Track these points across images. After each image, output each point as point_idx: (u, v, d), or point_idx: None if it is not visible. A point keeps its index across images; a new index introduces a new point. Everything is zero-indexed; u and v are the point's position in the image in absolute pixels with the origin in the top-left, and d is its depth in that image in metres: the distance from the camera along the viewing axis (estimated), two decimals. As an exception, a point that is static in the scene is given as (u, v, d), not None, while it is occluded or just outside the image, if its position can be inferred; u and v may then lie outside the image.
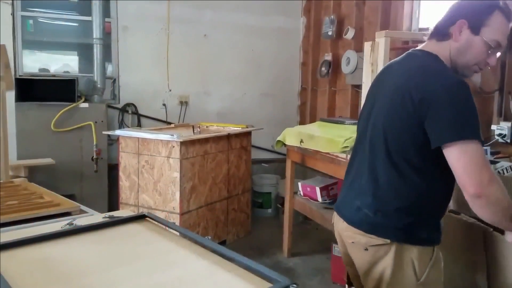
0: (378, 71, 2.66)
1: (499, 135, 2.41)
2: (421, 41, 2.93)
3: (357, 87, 3.98)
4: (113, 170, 4.05)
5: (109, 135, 4.08)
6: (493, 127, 2.50)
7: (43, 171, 3.71)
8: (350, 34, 4.05)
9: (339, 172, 2.82)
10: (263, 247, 3.80)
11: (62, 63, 4.52)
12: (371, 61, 2.74)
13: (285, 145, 3.45)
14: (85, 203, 1.91)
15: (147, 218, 1.53)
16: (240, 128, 3.99)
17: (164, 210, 3.30)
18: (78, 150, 3.96)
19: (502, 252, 1.48)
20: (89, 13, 4.13)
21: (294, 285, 1.00)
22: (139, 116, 4.57)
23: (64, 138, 3.90)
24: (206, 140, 3.51)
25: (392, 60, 1.54)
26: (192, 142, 3.34)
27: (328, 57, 4.42)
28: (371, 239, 1.41)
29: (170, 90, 4.69)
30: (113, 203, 4.01)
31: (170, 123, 4.55)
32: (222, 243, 3.66)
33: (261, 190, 4.69)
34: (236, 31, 4.88)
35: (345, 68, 4.04)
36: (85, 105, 3.98)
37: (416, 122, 1.28)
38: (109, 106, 4.33)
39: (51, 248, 1.27)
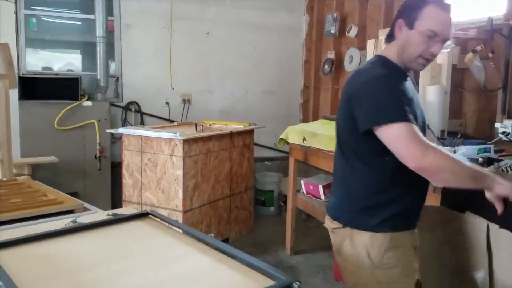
0: (381, 69, 2.66)
1: (503, 133, 2.40)
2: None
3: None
4: (116, 168, 4.06)
5: (112, 133, 4.09)
6: (497, 125, 2.48)
7: (46, 169, 3.72)
8: (353, 32, 4.04)
9: (342, 170, 2.82)
10: (266, 244, 3.80)
11: (65, 62, 4.53)
12: (374, 59, 2.73)
13: (287, 143, 3.45)
14: (88, 201, 1.91)
15: (150, 216, 1.54)
16: (242, 126, 3.99)
17: (167, 208, 3.31)
18: (81, 148, 3.97)
19: (507, 250, 1.47)
20: (92, 11, 4.14)
21: (297, 283, 1.00)
22: (142, 114, 4.57)
23: (67, 136, 3.91)
24: (209, 138, 3.51)
25: None
26: (195, 140, 3.35)
27: (331, 55, 4.41)
28: (332, 223, 1.61)
29: (173, 88, 4.69)
30: (116, 201, 4.02)
31: (173, 121, 4.55)
32: (225, 240, 3.67)
33: (263, 188, 4.69)
34: (238, 29, 4.87)
35: (348, 66, 4.03)
36: (88, 103, 3.98)
37: (350, 117, 1.45)
38: (112, 104, 4.33)
39: (55, 246, 1.28)
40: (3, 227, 1.45)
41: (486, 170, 1.38)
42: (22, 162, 3.58)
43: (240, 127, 3.97)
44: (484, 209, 1.51)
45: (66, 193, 1.99)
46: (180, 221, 3.18)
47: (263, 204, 4.70)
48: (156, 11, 4.54)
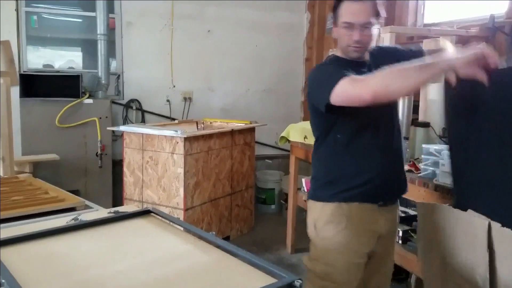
0: (383, 66, 2.66)
1: (505, 131, 2.40)
2: (426, 37, 2.92)
3: (361, 83, 3.97)
4: (117, 165, 4.06)
5: (113, 131, 4.09)
6: (498, 123, 2.48)
7: (47, 166, 3.73)
8: (354, 29, 4.03)
9: (343, 168, 2.81)
10: (267, 243, 3.80)
11: (66, 59, 4.53)
12: (375, 57, 2.73)
13: (289, 141, 3.45)
14: (89, 199, 1.91)
15: (152, 214, 1.54)
16: (243, 124, 3.98)
17: (168, 206, 3.31)
18: (83, 146, 3.97)
19: (510, 248, 1.47)
20: (93, 9, 4.13)
21: (299, 281, 1.00)
22: (143, 112, 4.57)
23: (69, 134, 3.91)
24: (210, 136, 3.51)
25: None
26: (196, 138, 3.34)
27: (333, 53, 4.40)
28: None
29: (174, 86, 4.69)
30: (117, 199, 4.02)
31: (174, 119, 4.55)
32: (226, 238, 3.67)
33: (264, 186, 4.69)
34: (240, 27, 4.87)
35: (349, 64, 4.02)
36: (89, 101, 3.98)
37: (312, 105, 1.64)
38: (113, 102, 4.33)
39: (57, 243, 1.28)
40: (4, 224, 1.45)
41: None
42: (23, 160, 3.59)
43: (241, 125, 3.97)
44: (487, 207, 1.50)
45: (67, 191, 1.99)
46: (181, 219, 3.18)
47: (264, 202, 4.70)
48: (157, 9, 4.53)
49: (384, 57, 1.64)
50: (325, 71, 1.59)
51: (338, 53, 1.70)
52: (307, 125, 3.39)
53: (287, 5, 4.99)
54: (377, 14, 1.58)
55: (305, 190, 3.49)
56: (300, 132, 3.26)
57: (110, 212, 1.55)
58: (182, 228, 1.41)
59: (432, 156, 2.09)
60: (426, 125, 2.49)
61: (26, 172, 3.32)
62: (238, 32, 4.87)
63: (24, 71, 4.09)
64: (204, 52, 4.78)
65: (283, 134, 3.45)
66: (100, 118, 3.98)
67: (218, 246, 1.24)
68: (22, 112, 3.78)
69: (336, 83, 1.42)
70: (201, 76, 4.81)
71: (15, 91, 3.51)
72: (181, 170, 3.24)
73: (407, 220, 2.55)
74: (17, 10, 4.09)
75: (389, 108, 1.65)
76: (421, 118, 2.67)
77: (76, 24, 4.53)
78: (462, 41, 2.87)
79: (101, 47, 4.12)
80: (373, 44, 1.64)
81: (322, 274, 1.63)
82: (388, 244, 1.76)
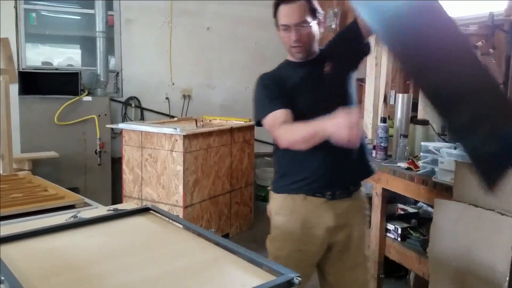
0: (382, 64, 2.66)
1: (503, 129, 2.40)
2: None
3: (361, 81, 3.96)
4: (116, 163, 4.06)
5: (112, 129, 4.09)
6: (497, 120, 2.48)
7: (46, 164, 3.73)
8: (353, 27, 4.02)
9: (342, 166, 2.82)
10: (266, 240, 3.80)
11: (65, 56, 4.52)
12: (374, 55, 2.73)
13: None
14: (88, 196, 1.91)
15: (151, 211, 1.54)
16: (243, 122, 3.98)
17: (167, 203, 3.31)
18: (82, 143, 3.97)
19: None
20: (92, 6, 4.12)
21: (298, 278, 1.01)
22: (142, 109, 4.57)
23: (68, 131, 3.91)
24: (209, 134, 3.51)
25: None
26: (195, 136, 3.34)
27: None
28: None
29: (173, 84, 4.69)
30: (116, 196, 4.02)
31: (173, 117, 4.55)
32: (225, 236, 3.68)
33: (264, 184, 4.69)
34: (239, 24, 4.86)
35: (349, 62, 4.02)
36: (88, 98, 3.98)
37: None
38: (112, 99, 4.33)
39: (56, 240, 1.28)
40: (3, 222, 1.45)
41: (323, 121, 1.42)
42: (23, 157, 3.58)
43: (240, 122, 3.97)
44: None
45: (66, 188, 1.99)
46: (181, 216, 3.18)
47: (264, 199, 4.70)
48: (157, 6, 4.53)
49: (330, 50, 1.73)
50: (262, 93, 1.68)
51: (289, 56, 1.78)
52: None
53: (287, 2, 4.98)
54: (313, 12, 1.63)
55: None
56: (299, 130, 3.26)
57: (109, 210, 1.56)
58: (181, 226, 1.41)
59: (431, 154, 2.10)
60: (425, 122, 2.49)
61: (25, 170, 3.31)
62: (237, 29, 4.86)
63: (23, 69, 4.09)
64: (203, 49, 4.77)
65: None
66: (99, 115, 3.98)
67: (217, 244, 1.24)
68: (21, 110, 3.77)
69: (268, 113, 1.60)
70: (200, 74, 4.81)
71: (14, 88, 3.51)
72: (180, 168, 3.24)
73: (406, 217, 2.55)
74: (15, 7, 4.08)
75: (339, 98, 1.66)
76: (420, 116, 2.67)
77: (75, 21, 4.53)
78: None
79: (100, 44, 4.12)
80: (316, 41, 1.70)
81: (273, 256, 1.73)
82: (347, 236, 1.71)
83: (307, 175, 1.65)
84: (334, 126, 1.34)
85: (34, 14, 4.22)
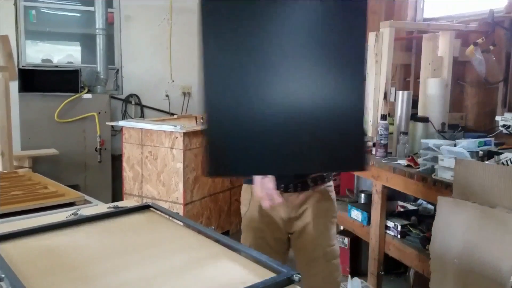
0: (383, 61, 2.65)
1: (503, 126, 2.40)
2: (426, 31, 2.91)
3: (361, 78, 3.96)
4: (116, 160, 4.06)
5: (112, 126, 4.09)
6: (497, 118, 2.49)
7: (47, 161, 3.73)
8: (354, 24, 4.01)
9: (342, 163, 2.82)
10: (266, 237, 3.81)
11: (65, 54, 4.52)
12: (375, 52, 2.72)
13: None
14: (89, 194, 1.91)
15: (151, 209, 1.54)
16: (243, 119, 3.98)
17: (167, 201, 3.32)
18: (82, 140, 3.97)
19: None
20: (92, 3, 4.12)
21: (298, 275, 1.01)
22: (142, 107, 4.57)
23: (68, 128, 3.91)
24: (209, 131, 3.51)
25: None
26: (195, 133, 3.34)
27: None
28: None
29: (173, 81, 4.68)
30: (116, 194, 4.02)
31: (173, 114, 4.54)
32: (225, 233, 3.68)
33: (264, 181, 4.69)
34: (239, 21, 4.84)
35: (349, 59, 4.01)
36: (88, 96, 3.98)
37: None
38: (112, 97, 4.33)
39: (56, 238, 1.28)
40: (3, 219, 1.45)
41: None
42: (23, 155, 3.59)
43: (240, 120, 3.96)
44: None
45: (66, 185, 1.99)
46: (181, 213, 3.18)
47: (263, 196, 4.70)
48: (156, 3, 4.52)
49: None
50: None
51: None
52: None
53: (287, -1, 4.97)
54: None
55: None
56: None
57: (109, 207, 1.56)
58: (181, 223, 1.41)
59: (431, 151, 2.10)
60: (425, 120, 2.49)
61: (25, 167, 3.32)
62: (237, 26, 4.85)
63: (23, 66, 4.08)
64: (203, 47, 4.76)
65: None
66: (99, 113, 3.98)
67: (217, 241, 1.24)
68: (21, 107, 3.77)
69: None
70: (200, 71, 4.80)
71: (14, 86, 3.51)
72: (180, 165, 3.24)
73: (406, 214, 2.56)
74: (15, 4, 4.07)
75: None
76: (420, 113, 2.67)
77: (74, 18, 4.52)
78: (461, 35, 2.87)
79: (99, 41, 4.11)
80: None
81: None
82: (302, 230, 1.70)
83: None
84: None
85: (33, 11, 4.21)
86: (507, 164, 1.85)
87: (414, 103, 2.66)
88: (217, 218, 3.68)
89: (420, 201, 2.74)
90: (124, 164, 3.53)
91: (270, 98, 1.09)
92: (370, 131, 2.75)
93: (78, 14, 4.49)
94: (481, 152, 2.01)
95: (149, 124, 3.39)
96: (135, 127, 3.43)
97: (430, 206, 2.63)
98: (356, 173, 2.91)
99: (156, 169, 3.36)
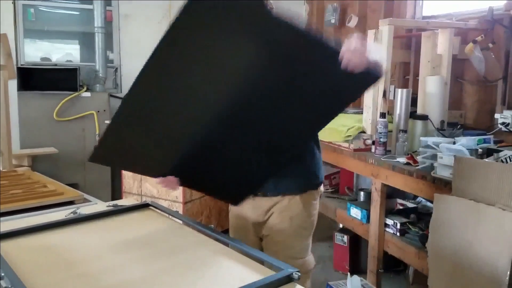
0: (382, 59, 2.66)
1: (503, 123, 2.40)
2: (425, 29, 2.90)
3: (360, 76, 3.96)
4: (115, 159, 4.06)
5: (111, 124, 4.08)
6: (497, 115, 2.49)
7: (46, 160, 3.72)
8: (353, 22, 4.01)
9: (342, 161, 2.82)
10: (266, 235, 3.81)
11: (63, 52, 4.50)
12: (374, 50, 2.72)
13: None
14: (88, 192, 1.92)
15: (151, 207, 1.54)
16: (242, 117, 3.98)
17: (167, 199, 3.31)
18: (81, 139, 3.97)
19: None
20: (90, 2, 4.10)
21: (297, 273, 1.01)
22: (141, 105, 4.56)
23: (67, 127, 3.90)
24: (208, 129, 3.51)
25: None
26: (195, 131, 3.34)
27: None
28: None
29: (172, 79, 4.67)
30: (116, 192, 4.02)
31: (172, 112, 4.53)
32: (225, 231, 3.67)
33: (263, 179, 4.68)
34: (238, 20, 4.84)
35: (348, 57, 4.01)
36: (87, 94, 3.97)
37: None
38: (111, 95, 4.32)
39: (56, 236, 1.28)
40: (3, 218, 1.45)
41: None
42: (22, 154, 3.58)
43: (239, 118, 3.96)
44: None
45: (66, 184, 1.99)
46: (180, 212, 3.18)
47: (263, 195, 4.70)
48: (155, 1, 4.50)
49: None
50: None
51: None
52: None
53: (286, -3, 4.96)
54: None
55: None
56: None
57: (109, 206, 1.56)
58: (181, 221, 1.42)
59: (430, 149, 2.10)
60: (424, 118, 2.49)
61: (24, 166, 3.31)
62: (236, 24, 4.84)
63: (21, 65, 4.07)
64: (202, 45, 4.76)
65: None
66: (98, 111, 3.97)
67: (217, 239, 1.25)
68: (20, 106, 3.76)
69: None
70: (199, 69, 4.79)
71: (13, 84, 3.50)
72: (179, 163, 3.24)
73: (405, 212, 2.56)
74: (14, 3, 4.06)
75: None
76: (419, 111, 2.67)
77: (73, 17, 4.51)
78: (460, 33, 2.87)
79: (98, 40, 4.10)
80: None
81: None
82: (268, 234, 1.69)
83: None
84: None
85: (32, 10, 4.20)
86: (506, 162, 1.85)
87: (413, 101, 2.66)
88: (217, 217, 3.68)
89: (419, 199, 2.75)
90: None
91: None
92: (369, 129, 2.75)
93: (76, 13, 4.48)
94: (480, 150, 2.01)
95: (148, 123, 3.38)
96: (134, 125, 3.42)
97: (430, 204, 2.63)
98: (355, 172, 2.91)
99: (156, 168, 3.36)
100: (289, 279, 1.00)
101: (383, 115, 2.51)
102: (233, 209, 1.78)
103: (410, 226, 2.37)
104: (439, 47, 2.70)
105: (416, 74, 3.01)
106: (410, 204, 2.72)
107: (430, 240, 1.91)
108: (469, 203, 1.72)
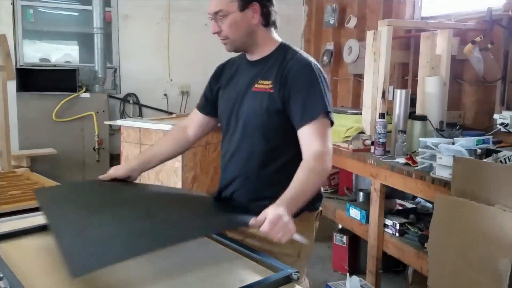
0: (381, 60, 2.66)
1: (502, 124, 2.41)
2: (424, 30, 2.90)
3: (359, 77, 3.97)
4: (115, 159, 4.06)
5: (110, 125, 4.08)
6: (496, 116, 2.49)
7: (45, 161, 3.72)
8: (352, 22, 4.02)
9: (341, 162, 2.82)
10: (265, 236, 3.81)
11: (62, 53, 4.50)
12: (373, 50, 2.72)
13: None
14: (87, 193, 1.91)
15: (150, 208, 1.54)
16: (241, 118, 3.98)
17: (166, 200, 3.31)
18: (80, 140, 3.97)
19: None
20: (89, 2, 4.11)
21: (297, 273, 1.01)
22: (140, 106, 4.56)
23: (66, 128, 3.90)
24: (207, 130, 3.51)
25: None
26: (194, 132, 3.34)
27: (330, 46, 4.40)
28: None
29: (171, 80, 4.67)
30: (115, 193, 4.02)
31: (171, 113, 4.54)
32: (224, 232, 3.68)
33: (262, 180, 4.68)
34: (237, 20, 4.84)
35: (347, 57, 4.02)
36: (86, 95, 3.97)
37: None
38: (110, 96, 4.32)
39: (55, 237, 1.28)
40: (2, 219, 1.45)
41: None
42: (21, 154, 3.58)
43: (238, 118, 3.96)
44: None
45: (65, 185, 1.98)
46: (179, 212, 3.18)
47: (262, 195, 4.70)
48: (154, 1, 4.51)
49: (285, 83, 1.41)
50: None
51: None
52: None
53: (285, -2, 4.97)
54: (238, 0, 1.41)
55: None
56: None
57: (108, 206, 1.55)
58: (180, 222, 1.41)
59: (429, 150, 2.10)
60: (423, 118, 2.50)
61: (23, 167, 3.31)
62: (236, 25, 4.84)
63: (20, 65, 4.07)
64: (201, 45, 4.75)
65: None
66: (97, 112, 3.97)
67: (216, 240, 1.24)
68: (19, 107, 3.76)
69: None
70: (198, 70, 4.78)
71: (12, 85, 3.50)
72: (179, 164, 3.23)
73: (404, 213, 2.56)
74: (13, 3, 4.06)
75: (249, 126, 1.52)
76: (418, 111, 2.67)
77: (72, 17, 4.51)
78: (459, 34, 2.87)
79: (97, 40, 4.10)
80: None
81: None
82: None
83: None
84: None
85: (31, 11, 4.20)
86: (505, 162, 1.86)
87: (412, 102, 2.66)
88: (216, 217, 3.68)
89: (418, 199, 2.75)
90: (123, 163, 3.52)
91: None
92: (368, 130, 2.75)
93: (75, 13, 4.48)
94: (479, 150, 2.02)
95: (147, 123, 3.38)
96: (133, 126, 3.42)
97: (429, 204, 2.63)
98: (354, 172, 2.91)
99: (155, 168, 3.35)
100: (288, 279, 1.00)
101: (382, 115, 2.51)
102: None
103: (409, 227, 2.38)
104: (438, 48, 2.70)
105: (415, 75, 3.01)
106: (409, 205, 2.72)
107: (430, 240, 1.91)
108: (469, 203, 1.72)
